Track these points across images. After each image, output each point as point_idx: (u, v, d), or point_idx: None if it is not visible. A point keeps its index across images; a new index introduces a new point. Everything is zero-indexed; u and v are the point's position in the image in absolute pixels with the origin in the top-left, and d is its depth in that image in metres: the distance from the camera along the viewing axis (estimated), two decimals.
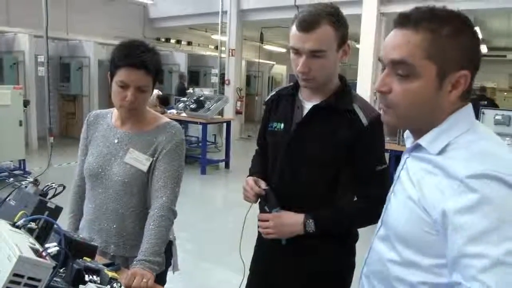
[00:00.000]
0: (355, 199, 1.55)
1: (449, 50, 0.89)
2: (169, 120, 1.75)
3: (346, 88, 1.54)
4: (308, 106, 1.53)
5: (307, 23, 1.36)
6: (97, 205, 1.67)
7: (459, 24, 0.90)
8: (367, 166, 1.47)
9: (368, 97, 8.13)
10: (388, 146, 5.13)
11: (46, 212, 1.11)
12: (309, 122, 1.50)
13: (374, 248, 1.07)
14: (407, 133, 1.09)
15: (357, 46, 8.52)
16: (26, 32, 8.30)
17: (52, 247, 0.89)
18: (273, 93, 1.72)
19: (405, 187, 0.97)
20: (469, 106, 0.95)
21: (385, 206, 1.08)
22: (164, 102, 8.10)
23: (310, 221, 1.45)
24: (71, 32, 9.78)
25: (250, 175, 1.67)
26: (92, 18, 10.37)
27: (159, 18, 12.35)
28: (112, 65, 1.57)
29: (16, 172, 6.24)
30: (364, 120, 1.44)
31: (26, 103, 6.49)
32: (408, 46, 0.90)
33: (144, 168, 1.62)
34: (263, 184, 1.54)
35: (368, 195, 1.48)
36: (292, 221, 1.48)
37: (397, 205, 0.99)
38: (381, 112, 1.02)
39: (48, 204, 1.13)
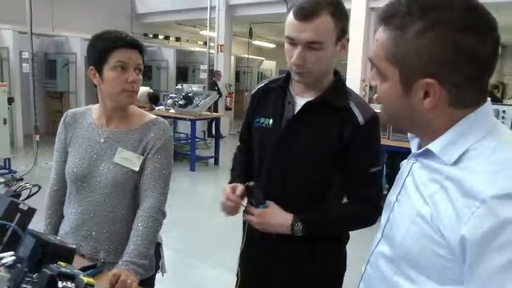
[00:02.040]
0: (346, 201, 1.47)
1: (413, 53, 0.75)
2: (156, 116, 1.68)
3: (341, 84, 1.45)
4: (300, 102, 1.42)
5: (306, 11, 1.26)
6: (83, 210, 1.57)
7: (438, 16, 0.73)
8: (361, 168, 1.39)
9: (358, 93, 8.11)
10: None
11: (18, 214, 1.04)
12: (301, 119, 1.40)
13: (374, 265, 0.94)
14: (410, 134, 0.97)
15: None
16: (10, 28, 8.14)
17: (8, 256, 0.83)
18: (261, 85, 1.59)
19: (413, 200, 0.83)
20: (487, 106, 0.80)
21: (387, 215, 0.94)
22: (154, 99, 8.01)
23: (299, 224, 1.36)
24: (56, 28, 9.62)
25: (232, 178, 1.58)
26: (78, 14, 10.21)
27: (146, 14, 12.22)
28: (101, 53, 1.49)
29: (1, 171, 6.11)
30: (361, 119, 1.36)
31: (10, 101, 6.37)
32: (375, 45, 0.81)
33: (136, 167, 1.55)
34: (251, 183, 1.43)
35: (360, 198, 1.42)
36: (279, 222, 1.38)
37: (403, 219, 0.85)
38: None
39: (20, 206, 1.07)
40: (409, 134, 0.96)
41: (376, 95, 0.86)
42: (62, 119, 1.68)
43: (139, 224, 1.48)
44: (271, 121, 1.46)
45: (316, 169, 1.40)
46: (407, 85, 0.78)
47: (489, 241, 0.67)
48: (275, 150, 1.43)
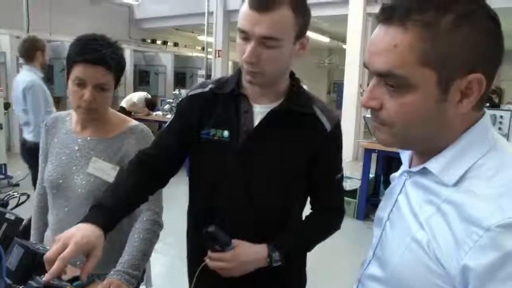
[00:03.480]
0: (310, 209, 1.38)
1: (452, 49, 0.67)
2: (136, 123, 1.61)
3: (300, 88, 1.30)
4: (258, 109, 1.26)
5: (262, 1, 1.08)
6: (60, 219, 1.53)
7: (465, 7, 0.67)
8: (328, 175, 1.31)
9: (355, 99, 8.11)
10: (375, 146, 5.08)
11: (5, 224, 1.02)
12: (263, 130, 1.24)
13: (367, 287, 0.88)
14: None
15: (344, 46, 8.50)
16: (7, 33, 8.12)
17: None
18: (205, 89, 1.32)
19: (407, 222, 0.77)
20: (486, 118, 0.74)
21: (378, 234, 0.87)
22: (151, 105, 7.99)
23: (276, 254, 1.21)
24: (54, 33, 9.60)
25: (98, 205, 1.17)
26: (76, 19, 10.18)
27: (144, 19, 12.20)
28: (68, 61, 1.44)
29: None
30: (328, 125, 1.25)
31: (7, 106, 6.34)
32: (395, 51, 0.69)
33: (111, 179, 1.46)
34: (211, 228, 1.18)
35: (328, 206, 1.36)
36: (254, 257, 1.22)
37: (397, 243, 0.78)
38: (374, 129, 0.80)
39: (7, 215, 1.04)
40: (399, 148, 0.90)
41: (385, 114, 0.74)
42: (44, 123, 1.64)
43: (135, 236, 1.45)
44: (226, 132, 1.26)
45: (283, 185, 1.26)
46: (446, 87, 0.69)
47: (493, 273, 0.62)
48: (236, 167, 1.25)
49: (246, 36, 1.12)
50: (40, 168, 1.65)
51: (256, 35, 1.10)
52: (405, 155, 0.89)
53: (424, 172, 0.77)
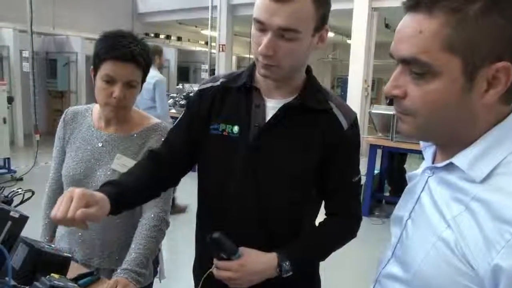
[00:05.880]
0: (324, 213, 1.29)
1: (479, 36, 0.65)
2: (158, 120, 1.61)
3: (315, 83, 1.23)
4: (271, 104, 1.19)
5: None
6: None
7: None
8: (345, 178, 1.22)
9: (360, 94, 8.08)
10: (380, 142, 5.06)
11: (9, 222, 0.99)
12: (276, 125, 1.17)
13: (386, 287, 0.84)
14: (424, 143, 0.85)
15: (348, 41, 8.45)
16: (10, 26, 8.11)
17: None
18: (216, 83, 1.26)
19: (432, 221, 0.73)
20: None
21: (398, 234, 0.83)
22: None
23: (286, 263, 1.12)
24: (57, 27, 9.58)
25: (110, 184, 1.14)
26: (79, 13, 10.17)
27: (148, 13, 12.17)
28: (96, 58, 1.43)
29: (0, 171, 6.07)
30: (344, 123, 1.18)
31: (10, 100, 6.33)
32: (420, 37, 0.67)
33: None
34: (215, 234, 1.10)
35: (344, 211, 1.26)
36: (263, 266, 1.13)
37: (421, 242, 0.74)
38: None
39: (11, 213, 1.01)
40: (422, 143, 0.86)
41: (408, 103, 0.72)
42: (62, 116, 1.62)
43: (143, 233, 1.43)
44: (236, 128, 1.19)
45: (297, 185, 1.19)
46: (471, 75, 0.66)
47: None
48: (246, 164, 1.18)
49: (262, 27, 1.05)
50: (54, 163, 1.63)
51: (274, 26, 1.03)
52: (428, 152, 0.85)
53: (450, 168, 0.74)
